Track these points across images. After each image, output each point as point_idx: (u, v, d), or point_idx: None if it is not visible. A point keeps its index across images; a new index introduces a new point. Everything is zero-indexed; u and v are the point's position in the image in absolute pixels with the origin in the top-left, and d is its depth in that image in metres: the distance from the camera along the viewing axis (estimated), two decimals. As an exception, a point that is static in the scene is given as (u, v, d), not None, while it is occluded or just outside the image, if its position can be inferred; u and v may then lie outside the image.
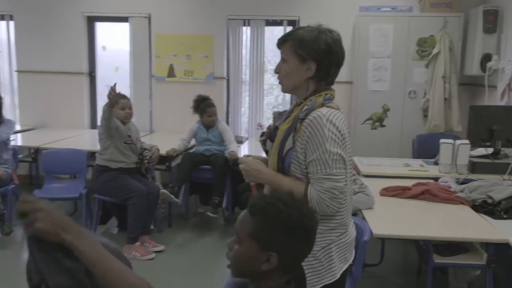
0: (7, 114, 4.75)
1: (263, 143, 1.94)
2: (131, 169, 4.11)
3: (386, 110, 5.09)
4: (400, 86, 5.05)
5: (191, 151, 4.81)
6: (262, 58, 5.62)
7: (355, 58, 5.06)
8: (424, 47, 4.97)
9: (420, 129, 4.97)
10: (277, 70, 1.82)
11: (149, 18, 5.70)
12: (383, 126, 5.11)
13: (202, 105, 4.63)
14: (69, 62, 5.82)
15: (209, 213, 4.35)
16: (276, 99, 6.68)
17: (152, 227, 4.27)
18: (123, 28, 5.78)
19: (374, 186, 3.09)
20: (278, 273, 1.29)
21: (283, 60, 1.79)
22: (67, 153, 4.49)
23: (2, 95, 4.50)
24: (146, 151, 4.32)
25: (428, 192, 3.04)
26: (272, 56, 6.11)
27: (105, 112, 3.77)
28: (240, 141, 5.38)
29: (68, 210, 4.81)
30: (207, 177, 4.56)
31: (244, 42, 5.64)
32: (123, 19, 5.74)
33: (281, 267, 1.28)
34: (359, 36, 5.04)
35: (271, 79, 6.14)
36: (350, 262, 1.84)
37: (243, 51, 5.65)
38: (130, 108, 4.08)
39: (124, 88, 5.99)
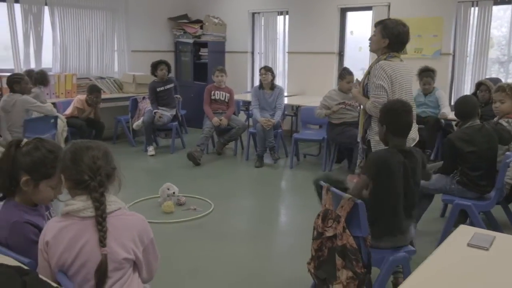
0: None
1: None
2: (354, 122, 5.55)
3: None
4: None
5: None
6: (488, 35, 6.21)
7: None
8: None
9: None
10: (370, 39, 3.30)
11: (389, 6, 6.94)
12: None
13: (422, 74, 5.69)
14: (324, 44, 7.57)
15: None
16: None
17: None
18: (367, 16, 7.18)
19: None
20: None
21: (374, 34, 3.25)
22: (317, 109, 6.21)
23: (277, 71, 6.53)
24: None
25: None
26: (498, 31, 6.52)
27: None
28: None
29: (315, 151, 6.63)
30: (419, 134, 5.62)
31: (471, 21, 6.33)
32: (368, 8, 7.14)
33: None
34: None
35: (494, 54, 6.59)
36: None
37: (470, 29, 6.35)
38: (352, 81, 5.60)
39: (364, 65, 7.45)
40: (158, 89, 6.72)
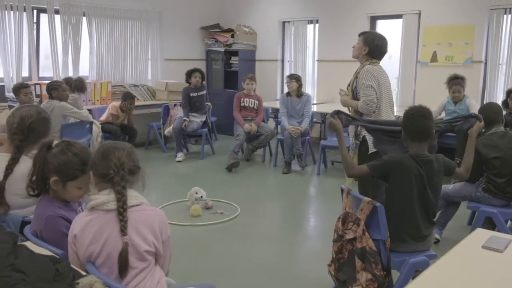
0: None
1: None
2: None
3: None
4: None
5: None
6: (522, 42, 6.12)
7: None
8: None
9: None
10: (353, 46, 3.76)
11: (419, 14, 6.92)
12: None
13: (451, 82, 5.65)
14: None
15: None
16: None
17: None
18: (397, 24, 7.17)
19: None
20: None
21: (357, 42, 3.70)
22: (345, 117, 6.24)
23: (307, 79, 6.57)
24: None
25: None
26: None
27: None
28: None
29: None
30: (449, 142, 5.56)
31: (504, 29, 6.24)
32: (398, 16, 7.14)
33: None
34: None
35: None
36: None
37: (503, 36, 6.26)
38: None
39: (394, 73, 7.43)
40: (191, 95, 6.91)
